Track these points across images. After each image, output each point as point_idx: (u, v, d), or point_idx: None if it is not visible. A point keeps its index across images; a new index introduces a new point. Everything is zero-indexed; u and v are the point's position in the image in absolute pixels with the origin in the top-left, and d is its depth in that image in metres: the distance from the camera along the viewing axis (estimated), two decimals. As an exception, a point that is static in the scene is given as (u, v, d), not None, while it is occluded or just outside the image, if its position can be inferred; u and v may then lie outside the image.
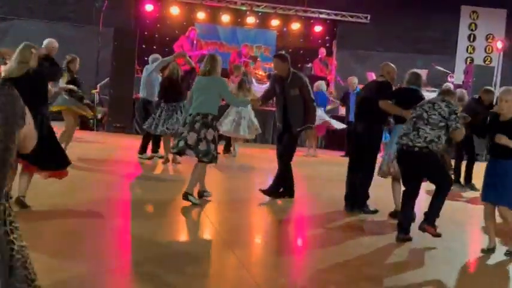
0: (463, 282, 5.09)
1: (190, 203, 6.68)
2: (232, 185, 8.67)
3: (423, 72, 15.12)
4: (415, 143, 5.76)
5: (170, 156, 9.59)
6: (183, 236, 5.97)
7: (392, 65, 7.31)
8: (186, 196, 6.71)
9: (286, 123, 7.41)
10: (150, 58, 10.53)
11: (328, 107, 13.88)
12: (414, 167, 5.89)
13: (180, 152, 6.94)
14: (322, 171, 10.96)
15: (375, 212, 7.12)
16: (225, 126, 10.84)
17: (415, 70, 7.17)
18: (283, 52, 7.77)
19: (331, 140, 14.75)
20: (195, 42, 14.79)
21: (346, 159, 7.21)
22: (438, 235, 5.80)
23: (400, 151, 5.96)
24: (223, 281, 4.47)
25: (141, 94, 10.32)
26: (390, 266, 5.24)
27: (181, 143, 6.74)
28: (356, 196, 7.14)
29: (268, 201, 7.42)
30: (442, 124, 5.73)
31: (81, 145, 10.73)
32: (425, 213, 5.85)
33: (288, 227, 6.80)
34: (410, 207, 5.96)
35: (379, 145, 7.25)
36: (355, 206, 7.16)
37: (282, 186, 7.56)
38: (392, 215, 6.90)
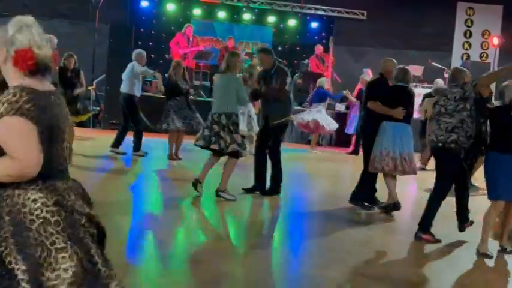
0: (458, 279, 5.10)
1: (187, 201, 6.68)
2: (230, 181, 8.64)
3: (419, 68, 15.20)
4: (439, 138, 5.77)
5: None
6: (183, 236, 5.96)
7: (392, 59, 7.33)
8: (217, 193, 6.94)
9: (266, 116, 7.48)
10: (134, 53, 10.30)
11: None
12: (439, 164, 5.92)
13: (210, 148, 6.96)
14: (321, 168, 10.96)
15: (370, 208, 7.14)
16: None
17: (403, 66, 7.17)
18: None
19: (340, 137, 14.70)
20: (191, 39, 14.75)
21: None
22: (437, 241, 5.81)
23: (431, 149, 6.00)
24: (219, 279, 4.47)
25: (124, 90, 10.05)
26: (386, 262, 5.26)
27: (222, 144, 6.80)
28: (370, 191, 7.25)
29: (266, 198, 7.42)
30: (461, 106, 5.66)
31: (77, 142, 10.69)
32: (420, 223, 5.86)
33: (283, 223, 6.81)
34: (436, 208, 5.92)
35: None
36: (353, 198, 7.21)
37: (280, 181, 7.56)
38: (388, 209, 6.98)
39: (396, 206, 7.00)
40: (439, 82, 12.59)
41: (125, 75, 10.05)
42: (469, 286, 4.95)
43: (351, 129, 13.28)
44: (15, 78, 2.18)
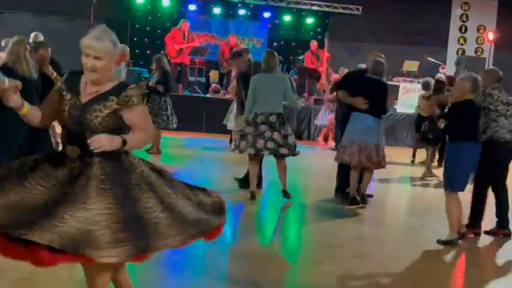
0: (454, 276, 5.12)
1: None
2: (226, 176, 8.66)
3: (415, 64, 15.23)
4: None
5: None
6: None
7: (379, 54, 7.36)
8: (285, 194, 6.96)
9: None
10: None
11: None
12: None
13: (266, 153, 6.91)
14: (316, 163, 10.98)
15: (348, 198, 7.09)
16: (232, 121, 10.51)
17: (378, 59, 7.15)
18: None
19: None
20: (186, 34, 14.73)
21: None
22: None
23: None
24: (213, 277, 4.48)
25: None
26: (381, 257, 5.27)
27: (272, 144, 6.77)
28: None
29: (260, 193, 7.42)
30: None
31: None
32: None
33: (277, 218, 6.82)
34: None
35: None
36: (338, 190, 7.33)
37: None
38: (352, 202, 6.93)
39: (352, 200, 6.95)
40: (441, 77, 12.61)
41: None
42: (468, 281, 4.97)
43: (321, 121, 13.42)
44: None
